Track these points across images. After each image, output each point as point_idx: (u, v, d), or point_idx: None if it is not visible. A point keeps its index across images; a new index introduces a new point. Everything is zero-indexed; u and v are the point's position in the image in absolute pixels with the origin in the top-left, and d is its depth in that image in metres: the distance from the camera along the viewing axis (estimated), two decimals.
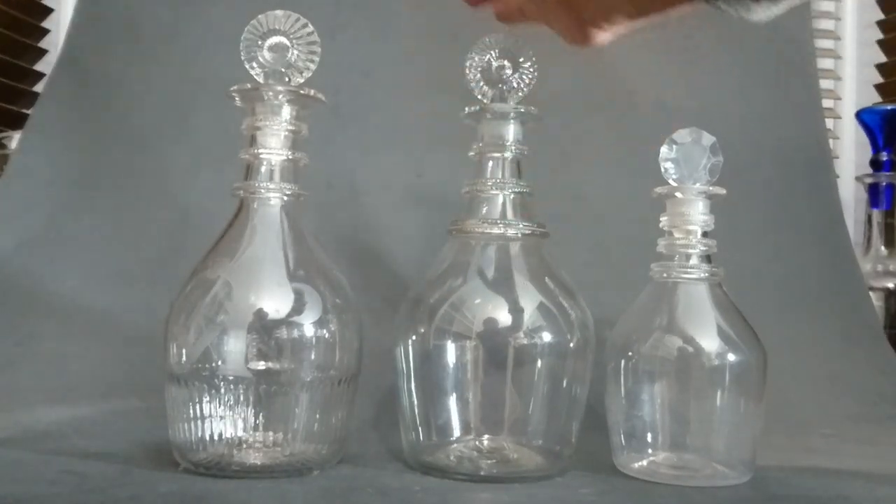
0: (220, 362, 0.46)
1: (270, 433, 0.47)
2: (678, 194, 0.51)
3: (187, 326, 0.47)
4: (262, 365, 0.46)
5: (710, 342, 0.50)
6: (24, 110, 0.97)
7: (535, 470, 0.48)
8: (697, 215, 0.51)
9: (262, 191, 0.49)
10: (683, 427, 0.50)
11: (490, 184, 0.51)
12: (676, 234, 0.52)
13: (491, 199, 0.51)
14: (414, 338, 0.49)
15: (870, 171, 0.97)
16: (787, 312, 0.79)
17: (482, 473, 0.47)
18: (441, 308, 0.49)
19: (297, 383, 0.47)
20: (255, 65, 0.49)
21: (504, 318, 0.48)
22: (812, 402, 0.72)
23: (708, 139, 0.51)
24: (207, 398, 0.46)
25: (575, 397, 0.50)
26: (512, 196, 0.51)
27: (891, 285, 0.92)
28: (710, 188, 0.51)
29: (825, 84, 1.06)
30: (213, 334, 0.46)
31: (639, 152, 0.60)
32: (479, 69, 0.52)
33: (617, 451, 0.51)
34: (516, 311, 0.49)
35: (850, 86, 1.12)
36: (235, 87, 0.48)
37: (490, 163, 0.51)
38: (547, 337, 0.48)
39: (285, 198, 0.49)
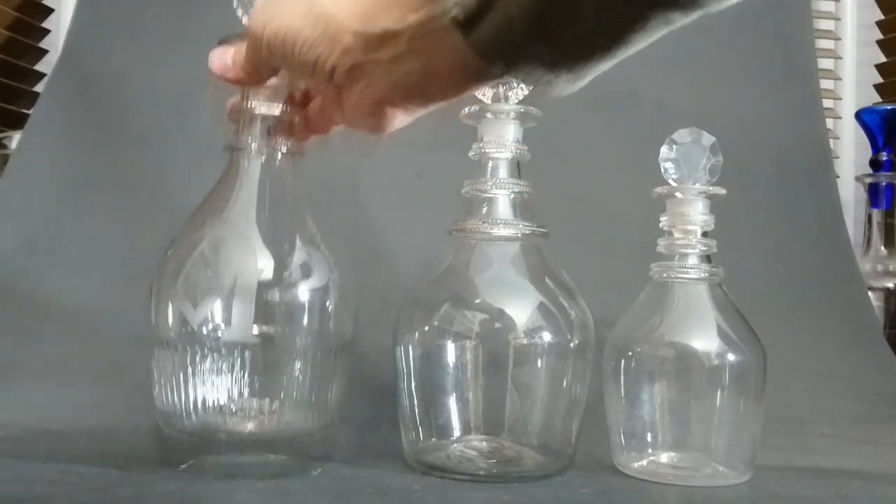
0: (210, 326, 0.44)
1: (261, 400, 0.45)
2: (678, 194, 0.51)
3: (175, 288, 0.44)
4: (254, 330, 0.44)
5: (709, 342, 0.50)
6: (24, 110, 0.97)
7: (534, 470, 0.48)
8: (697, 215, 0.51)
9: (254, 147, 0.47)
10: (683, 427, 0.50)
11: (490, 184, 0.51)
12: (676, 234, 0.52)
13: (491, 199, 0.51)
14: (414, 338, 0.49)
15: (870, 171, 0.97)
16: (787, 312, 0.79)
17: (482, 473, 0.47)
18: (441, 308, 0.49)
19: (291, 350, 0.45)
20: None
21: (504, 318, 0.48)
22: (812, 401, 0.72)
23: (708, 139, 0.51)
24: (196, 363, 0.44)
25: (575, 397, 0.50)
26: (512, 196, 0.51)
27: (890, 285, 0.92)
28: (710, 188, 0.51)
29: (825, 84, 1.06)
30: (203, 297, 0.44)
31: (639, 152, 0.60)
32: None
33: (617, 451, 0.51)
34: (516, 311, 0.49)
35: (850, 86, 1.12)
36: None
37: (490, 163, 0.51)
38: (547, 337, 0.48)
39: (281, 155, 0.47)
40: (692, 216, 0.51)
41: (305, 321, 0.45)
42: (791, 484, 0.49)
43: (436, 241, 0.53)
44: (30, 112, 0.88)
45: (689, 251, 0.51)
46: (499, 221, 0.50)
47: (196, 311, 0.44)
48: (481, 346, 0.48)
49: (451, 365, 0.49)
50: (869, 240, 0.95)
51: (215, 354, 0.44)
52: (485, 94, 0.52)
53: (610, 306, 0.54)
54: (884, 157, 0.96)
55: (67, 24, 0.90)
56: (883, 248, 0.95)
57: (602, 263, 0.76)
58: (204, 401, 0.44)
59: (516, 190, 0.51)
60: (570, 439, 0.50)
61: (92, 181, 0.81)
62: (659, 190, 0.52)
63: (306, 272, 0.45)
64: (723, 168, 0.51)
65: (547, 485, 0.47)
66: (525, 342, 0.48)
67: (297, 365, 0.45)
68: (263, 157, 0.47)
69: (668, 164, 0.51)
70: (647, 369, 0.50)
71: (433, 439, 0.49)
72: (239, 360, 0.44)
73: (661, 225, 0.52)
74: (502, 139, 0.51)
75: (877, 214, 0.95)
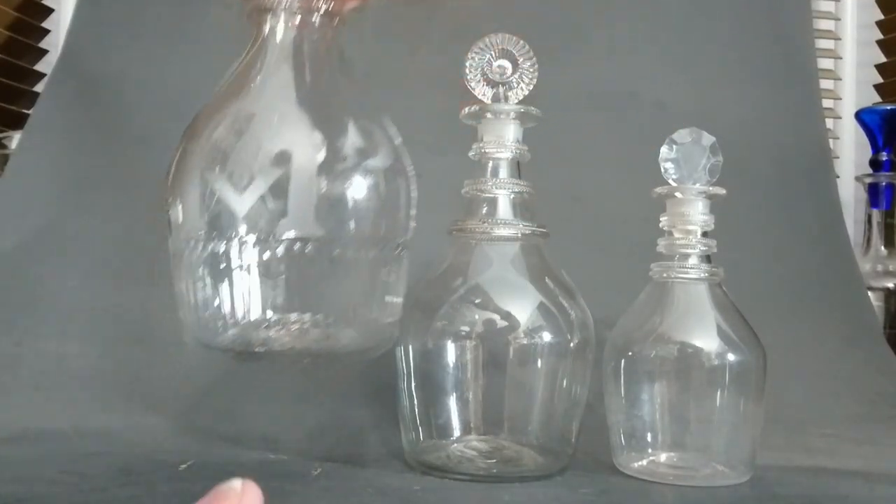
0: (242, 226, 0.36)
1: (302, 313, 0.38)
2: (678, 194, 0.51)
3: (198, 181, 0.37)
4: (291, 232, 0.36)
5: (709, 342, 0.50)
6: (25, 110, 0.97)
7: (534, 469, 0.48)
8: (697, 215, 0.51)
9: (286, 4, 0.39)
10: (683, 427, 0.50)
11: (490, 184, 0.51)
12: (676, 234, 0.52)
13: (491, 199, 0.51)
14: (414, 338, 0.49)
15: (870, 171, 0.97)
16: (786, 312, 0.79)
17: (482, 473, 0.47)
18: (441, 308, 0.49)
19: (336, 253, 0.37)
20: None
21: (504, 318, 0.48)
22: (812, 401, 0.72)
23: (708, 139, 0.51)
24: (227, 269, 0.37)
25: (575, 397, 0.50)
26: (512, 196, 0.51)
27: (891, 285, 0.92)
28: (710, 188, 0.51)
29: (825, 84, 1.05)
30: (232, 190, 0.36)
31: (639, 152, 0.60)
32: (479, 69, 0.52)
33: (617, 451, 0.51)
34: (516, 311, 0.49)
35: (850, 86, 1.12)
36: None
37: (490, 163, 0.51)
38: (547, 337, 0.48)
39: (319, 17, 0.39)
40: (692, 216, 0.51)
41: (363, 216, 0.37)
42: (791, 484, 0.49)
43: (435, 241, 0.53)
44: (30, 112, 0.88)
45: (689, 251, 0.51)
46: (499, 221, 0.50)
47: (231, 201, 0.36)
48: (481, 346, 0.48)
49: (451, 365, 0.49)
50: (869, 240, 0.95)
51: (246, 259, 0.37)
52: (485, 94, 0.52)
53: (610, 306, 0.54)
54: (884, 157, 0.96)
55: (67, 24, 0.90)
56: (883, 248, 0.94)
57: (602, 263, 0.76)
58: (231, 312, 0.37)
59: (516, 190, 0.51)
60: (570, 439, 0.50)
61: (92, 181, 0.81)
62: (659, 190, 0.52)
63: (363, 154, 0.38)
64: (723, 168, 0.51)
65: (547, 485, 0.47)
66: (525, 342, 0.48)
67: (350, 269, 0.37)
68: (297, 19, 0.39)
69: (668, 164, 0.51)
70: (647, 369, 0.50)
71: (433, 439, 0.49)
72: (272, 265, 0.37)
73: (661, 225, 0.52)
74: (502, 139, 0.51)
75: (877, 214, 0.95)
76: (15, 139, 0.89)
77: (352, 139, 0.38)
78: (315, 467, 0.47)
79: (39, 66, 1.02)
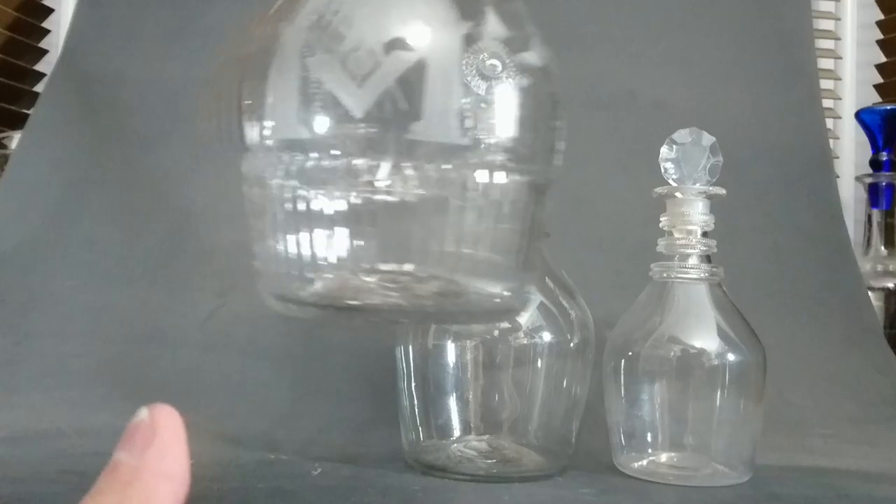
0: (354, 133, 0.27)
1: (404, 264, 0.28)
2: (678, 194, 0.51)
3: (294, 72, 0.27)
4: (427, 143, 0.27)
5: (709, 342, 0.50)
6: (24, 110, 0.97)
7: (534, 470, 0.48)
8: (697, 215, 0.51)
9: None
10: (683, 427, 0.50)
11: None
12: (676, 234, 0.52)
13: None
14: (414, 338, 0.49)
15: (870, 171, 0.97)
16: (786, 312, 0.79)
17: (482, 473, 0.47)
18: None
19: (451, 190, 0.27)
20: None
21: None
22: (812, 401, 0.72)
23: (708, 139, 0.51)
24: (311, 205, 0.28)
25: (575, 397, 0.50)
26: None
27: (891, 285, 0.92)
28: (710, 188, 0.51)
29: (825, 84, 1.05)
30: (349, 80, 0.26)
31: (639, 152, 0.60)
32: (474, 66, 0.52)
33: (617, 451, 0.51)
34: None
35: (850, 86, 1.11)
36: None
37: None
38: (547, 337, 0.48)
39: None
40: (692, 216, 0.51)
41: (514, 131, 0.28)
42: (791, 484, 0.49)
43: None
44: (30, 112, 0.88)
45: (689, 251, 0.51)
46: None
47: (346, 95, 0.26)
48: (481, 345, 0.48)
49: (451, 365, 0.49)
50: (869, 240, 0.95)
51: (339, 191, 0.27)
52: (479, 87, 0.52)
53: (610, 306, 0.54)
54: (884, 157, 0.96)
55: (67, 24, 0.90)
56: (883, 248, 0.94)
57: (602, 263, 0.76)
58: (316, 257, 0.28)
59: None
60: (570, 439, 0.50)
61: (92, 181, 0.81)
62: (659, 190, 0.52)
63: (513, 45, 0.29)
64: (723, 168, 0.51)
65: (547, 485, 0.47)
66: (525, 342, 0.48)
67: (458, 209, 0.28)
68: None
69: (668, 164, 0.51)
70: (647, 369, 0.50)
71: (433, 439, 0.49)
72: (363, 202, 0.27)
73: (661, 225, 0.52)
74: None
75: (877, 214, 0.95)
76: (15, 139, 0.89)
77: (493, 26, 0.29)
78: (315, 467, 0.47)
79: (39, 66, 1.02)
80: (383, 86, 0.26)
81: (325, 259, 0.28)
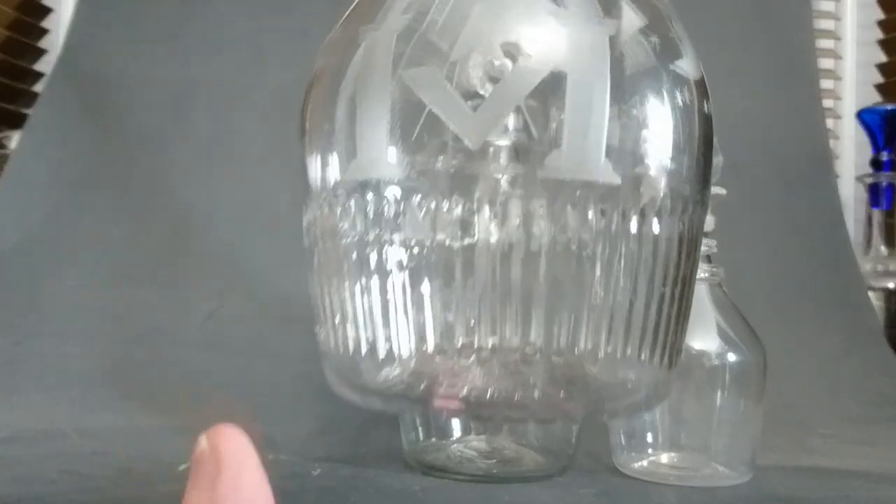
0: (463, 171, 0.20)
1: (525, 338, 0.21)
2: None
3: (381, 90, 0.20)
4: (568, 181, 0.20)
5: (709, 342, 0.50)
6: (24, 110, 0.97)
7: (534, 470, 0.48)
8: None
9: None
10: (683, 427, 0.50)
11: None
12: None
13: None
14: None
15: (870, 171, 0.97)
16: (786, 312, 0.79)
17: (482, 473, 0.47)
18: None
19: (596, 241, 0.21)
20: None
21: None
22: (812, 402, 0.72)
23: None
24: (389, 260, 0.21)
25: None
26: None
27: (891, 285, 0.92)
28: (711, 188, 0.51)
29: (825, 84, 1.05)
30: (454, 99, 0.20)
31: None
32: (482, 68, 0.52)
33: (617, 451, 0.51)
34: None
35: (850, 86, 1.11)
36: None
37: (491, 149, 0.51)
38: None
39: None
40: None
41: (664, 161, 0.22)
42: (791, 484, 0.49)
43: None
44: (30, 112, 0.88)
45: None
46: None
47: (454, 117, 0.20)
48: None
49: None
50: (869, 240, 0.95)
51: (479, 223, 0.20)
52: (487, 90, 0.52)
53: None
54: (884, 156, 0.96)
55: (67, 24, 0.90)
56: (883, 248, 0.94)
57: None
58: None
59: None
60: (570, 439, 0.50)
61: (92, 181, 0.81)
62: None
63: (665, 53, 0.21)
64: (723, 168, 0.51)
65: (547, 485, 0.47)
66: None
67: (604, 273, 0.21)
68: None
69: None
70: None
71: (433, 439, 0.49)
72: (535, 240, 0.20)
73: None
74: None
75: (877, 214, 0.95)
76: (15, 139, 0.89)
77: (634, 23, 0.21)
78: (315, 467, 0.47)
79: (39, 66, 1.02)
80: (508, 107, 0.19)
81: (410, 335, 0.20)
